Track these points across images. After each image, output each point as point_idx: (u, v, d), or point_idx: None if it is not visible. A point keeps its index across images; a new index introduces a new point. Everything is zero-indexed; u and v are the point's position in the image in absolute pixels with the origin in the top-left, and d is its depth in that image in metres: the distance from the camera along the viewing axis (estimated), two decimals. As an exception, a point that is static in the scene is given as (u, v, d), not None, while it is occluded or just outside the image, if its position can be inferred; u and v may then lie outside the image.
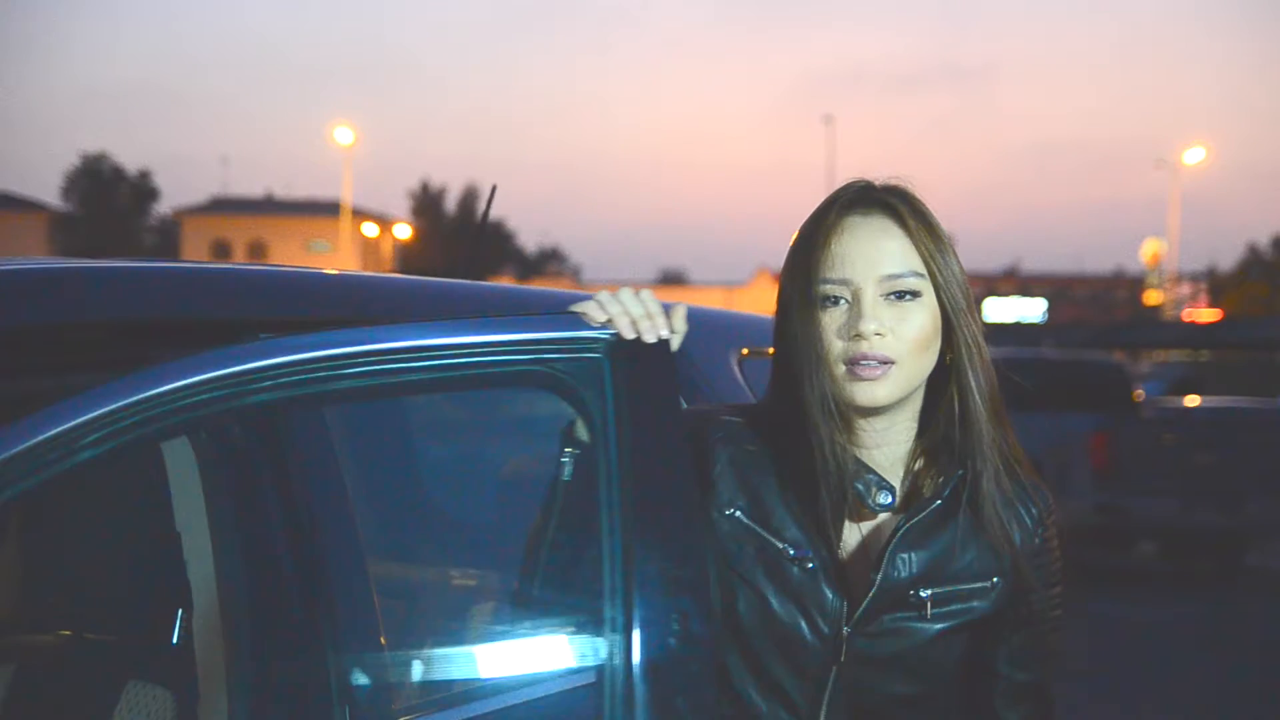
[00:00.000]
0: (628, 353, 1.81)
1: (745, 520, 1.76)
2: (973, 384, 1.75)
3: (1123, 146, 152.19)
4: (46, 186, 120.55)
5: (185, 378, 1.58)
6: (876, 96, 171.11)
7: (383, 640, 2.01)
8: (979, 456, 1.74)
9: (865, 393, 1.70)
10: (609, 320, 1.79)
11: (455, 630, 2.23)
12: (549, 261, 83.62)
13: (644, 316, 1.80)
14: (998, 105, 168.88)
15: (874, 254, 1.72)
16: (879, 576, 1.72)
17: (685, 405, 2.56)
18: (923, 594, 1.72)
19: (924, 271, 1.72)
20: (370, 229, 58.76)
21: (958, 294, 1.74)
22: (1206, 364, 26.15)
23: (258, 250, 68.57)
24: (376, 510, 2.01)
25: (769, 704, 1.75)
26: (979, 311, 1.79)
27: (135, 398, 1.54)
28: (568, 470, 1.79)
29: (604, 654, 1.74)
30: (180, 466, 2.01)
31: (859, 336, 1.69)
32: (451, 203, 71.40)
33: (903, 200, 1.75)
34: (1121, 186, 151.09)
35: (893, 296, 1.72)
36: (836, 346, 1.71)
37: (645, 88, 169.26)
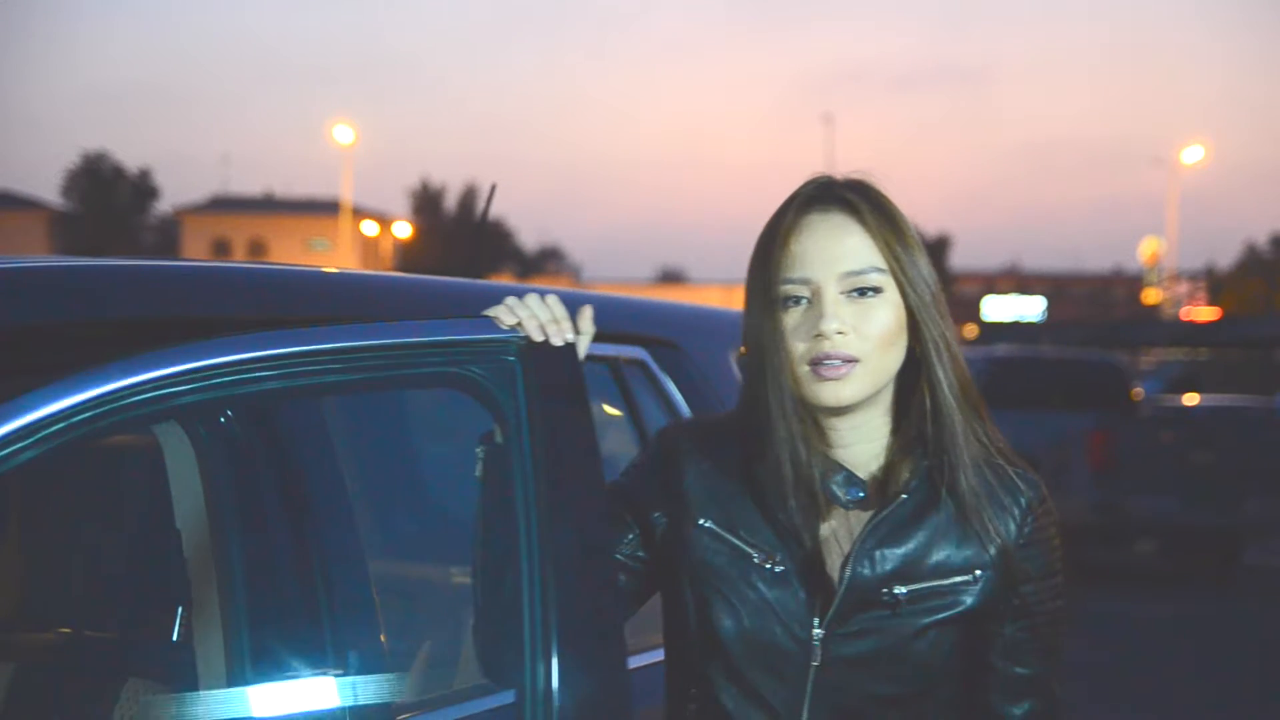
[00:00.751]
0: (538, 356, 1.84)
1: (717, 529, 1.75)
2: (941, 377, 1.72)
3: (1121, 145, 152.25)
4: (47, 185, 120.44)
5: (97, 386, 1.56)
6: (875, 96, 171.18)
7: (383, 638, 2.01)
8: (953, 449, 1.71)
9: (830, 392, 1.68)
10: (518, 324, 1.82)
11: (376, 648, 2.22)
12: (549, 260, 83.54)
13: (550, 321, 1.83)
14: (996, 104, 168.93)
15: (833, 251, 1.69)
16: (846, 575, 1.70)
17: (688, 409, 2.59)
18: (897, 591, 1.69)
19: (885, 267, 1.70)
20: (370, 227, 58.72)
21: (922, 288, 1.71)
22: (1205, 362, 26.17)
23: (258, 249, 68.58)
24: (299, 516, 1.99)
25: (750, 711, 1.72)
26: (946, 304, 1.75)
27: (56, 404, 1.52)
28: (485, 474, 1.81)
29: (525, 658, 1.77)
30: (179, 464, 2.01)
31: (821, 336, 1.67)
32: (451, 201, 71.30)
33: (862, 195, 1.72)
34: (1120, 185, 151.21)
35: (854, 294, 1.69)
36: (799, 347, 1.69)
37: (645, 86, 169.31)
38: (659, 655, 1.89)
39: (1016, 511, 1.74)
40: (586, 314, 1.86)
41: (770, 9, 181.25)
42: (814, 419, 1.73)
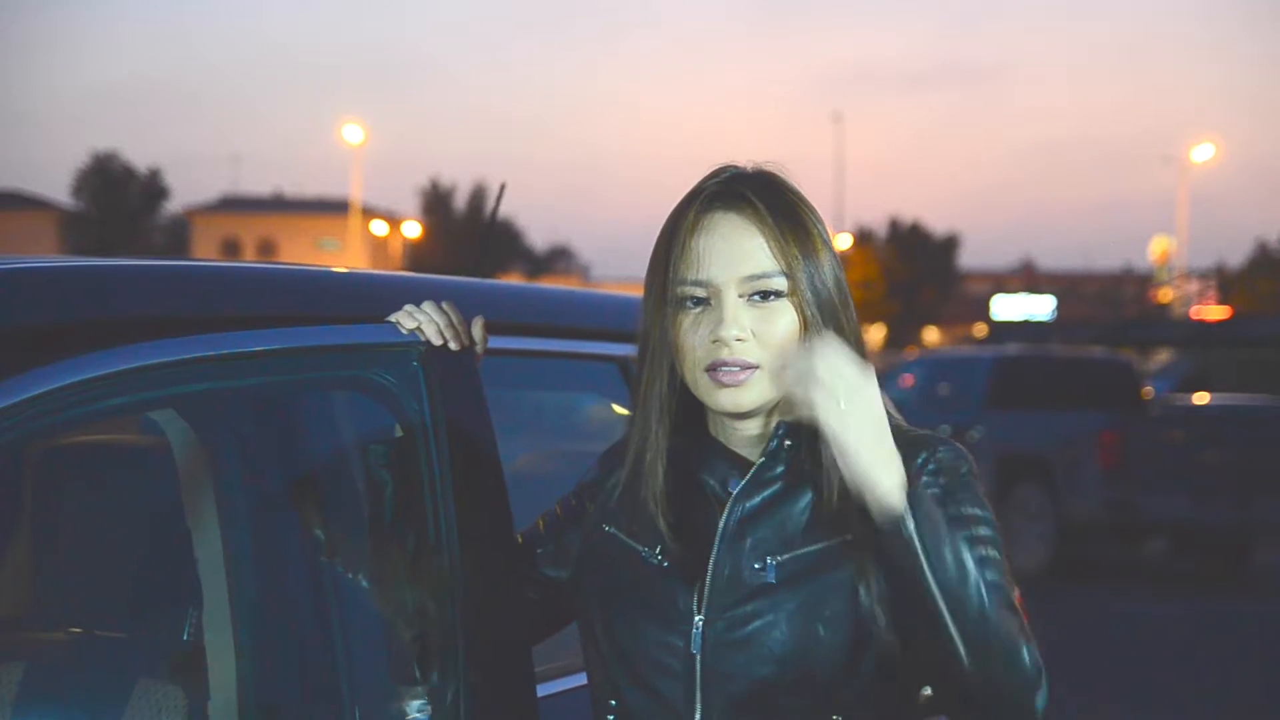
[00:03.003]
0: (438, 360, 1.87)
1: (617, 534, 1.73)
2: None
3: (1131, 144, 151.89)
4: (57, 185, 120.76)
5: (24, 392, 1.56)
6: (885, 94, 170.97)
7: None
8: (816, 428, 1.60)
9: (730, 399, 1.64)
10: (417, 328, 1.87)
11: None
12: (558, 259, 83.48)
13: (447, 325, 1.88)
14: (1006, 103, 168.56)
15: (734, 253, 1.65)
16: (712, 556, 1.65)
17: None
18: (770, 562, 1.63)
19: (787, 269, 1.64)
20: (380, 227, 58.76)
21: (818, 291, 1.65)
22: (1215, 361, 26.10)
23: (267, 248, 68.64)
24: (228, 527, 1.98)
25: (655, 714, 1.67)
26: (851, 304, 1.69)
27: None
28: (394, 478, 1.82)
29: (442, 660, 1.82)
30: (189, 462, 2.01)
31: (719, 342, 1.63)
32: (461, 201, 71.17)
33: (766, 193, 1.68)
34: (1130, 184, 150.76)
35: (755, 297, 1.64)
36: (696, 351, 1.65)
37: (655, 85, 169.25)
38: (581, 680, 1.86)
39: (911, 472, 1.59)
40: (479, 323, 1.92)
41: (780, 8, 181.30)
42: (718, 419, 1.70)
